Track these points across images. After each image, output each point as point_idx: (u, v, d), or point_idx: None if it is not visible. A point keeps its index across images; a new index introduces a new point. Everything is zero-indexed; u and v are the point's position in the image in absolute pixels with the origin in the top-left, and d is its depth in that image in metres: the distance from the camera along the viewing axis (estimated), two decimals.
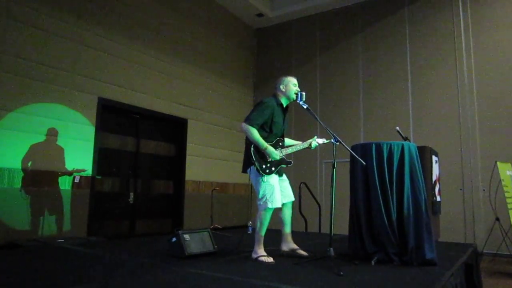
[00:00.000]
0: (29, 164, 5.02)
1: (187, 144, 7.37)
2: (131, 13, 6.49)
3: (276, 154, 3.41)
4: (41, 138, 5.17)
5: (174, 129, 7.35)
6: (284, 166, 3.54)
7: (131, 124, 6.60)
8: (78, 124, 5.59)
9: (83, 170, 5.49)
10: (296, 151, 3.67)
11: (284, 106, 3.64)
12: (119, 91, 6.19)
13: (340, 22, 8.45)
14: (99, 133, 5.84)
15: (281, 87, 3.61)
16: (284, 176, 3.69)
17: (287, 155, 3.57)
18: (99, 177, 5.91)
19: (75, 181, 5.46)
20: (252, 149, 3.41)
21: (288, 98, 3.62)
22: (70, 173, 5.40)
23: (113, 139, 6.29)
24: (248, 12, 8.72)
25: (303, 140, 3.77)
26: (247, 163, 3.50)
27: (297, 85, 3.65)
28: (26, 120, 5.00)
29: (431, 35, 7.41)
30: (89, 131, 5.73)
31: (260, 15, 8.83)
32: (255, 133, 3.38)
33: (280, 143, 3.56)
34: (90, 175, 5.65)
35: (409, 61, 7.54)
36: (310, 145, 3.70)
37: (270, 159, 3.41)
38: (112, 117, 6.24)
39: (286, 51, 9.07)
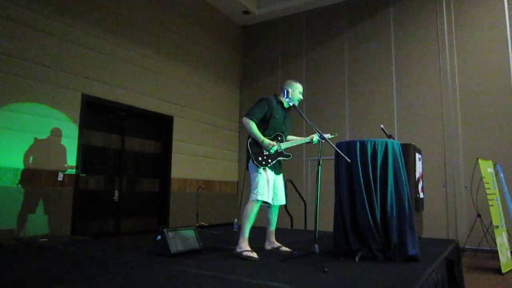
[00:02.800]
0: (15, 162, 4.93)
1: (173, 141, 7.33)
2: (115, 9, 6.40)
3: (272, 147, 3.44)
4: (24, 136, 5.06)
5: (160, 127, 7.30)
6: (284, 159, 3.58)
7: (116, 121, 6.53)
8: (61, 121, 5.50)
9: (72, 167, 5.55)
10: (297, 145, 3.69)
11: (286, 106, 3.68)
12: (103, 88, 6.11)
13: (326, 20, 8.50)
14: (83, 130, 5.77)
15: (289, 89, 3.64)
16: (281, 177, 3.71)
17: (288, 149, 3.60)
18: (83, 175, 5.84)
19: (59, 179, 5.38)
20: (249, 142, 3.45)
21: (290, 101, 3.60)
22: (63, 170, 5.38)
23: (97, 136, 6.21)
24: (234, 9, 8.70)
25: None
26: (247, 158, 3.53)
27: (302, 93, 3.74)
28: (7, 118, 4.90)
29: (415, 35, 7.51)
30: (73, 128, 5.65)
31: (246, 12, 8.81)
32: (253, 126, 3.44)
33: (279, 138, 3.59)
34: (74, 173, 5.58)
35: (394, 60, 7.64)
36: (311, 139, 3.71)
37: (267, 152, 3.45)
38: (96, 114, 6.15)
39: (272, 49, 9.08)
